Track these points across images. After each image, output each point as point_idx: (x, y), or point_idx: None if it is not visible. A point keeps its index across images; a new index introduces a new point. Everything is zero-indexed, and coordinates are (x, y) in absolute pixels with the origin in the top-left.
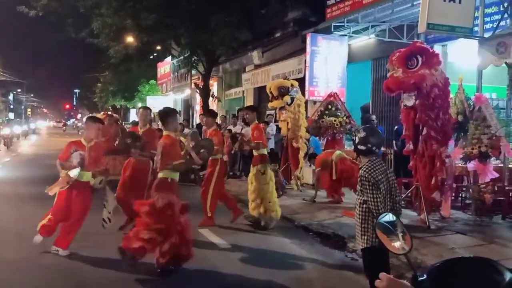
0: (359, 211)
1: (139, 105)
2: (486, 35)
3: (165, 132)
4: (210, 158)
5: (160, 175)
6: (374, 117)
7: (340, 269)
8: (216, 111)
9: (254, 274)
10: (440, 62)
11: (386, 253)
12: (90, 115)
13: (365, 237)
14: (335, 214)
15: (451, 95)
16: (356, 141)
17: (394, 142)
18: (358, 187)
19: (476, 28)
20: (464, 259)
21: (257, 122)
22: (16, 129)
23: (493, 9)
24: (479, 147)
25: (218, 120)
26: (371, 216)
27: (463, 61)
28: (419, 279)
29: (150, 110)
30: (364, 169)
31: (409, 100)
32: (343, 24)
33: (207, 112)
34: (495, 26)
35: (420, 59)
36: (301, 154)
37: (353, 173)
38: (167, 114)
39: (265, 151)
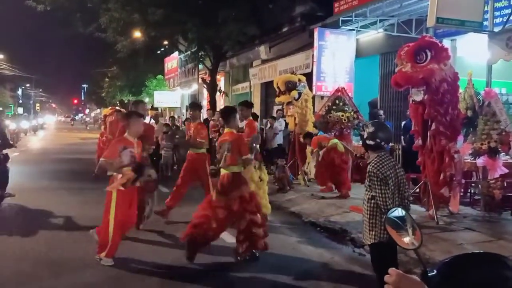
0: (367, 206)
1: (147, 100)
2: (496, 29)
3: (226, 130)
4: (195, 152)
5: (226, 170)
6: (381, 112)
7: (347, 265)
8: (221, 105)
9: (262, 269)
10: (449, 56)
11: (394, 249)
12: (133, 110)
13: (373, 233)
14: (342, 209)
15: (460, 90)
16: (365, 136)
17: (402, 137)
18: (366, 182)
19: (486, 23)
20: (473, 254)
21: (251, 118)
22: (24, 124)
23: (503, 3)
24: (488, 142)
25: None
26: (379, 212)
27: (472, 55)
28: (429, 274)
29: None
30: (373, 164)
31: (417, 95)
32: (351, 18)
33: (194, 105)
34: (505, 20)
35: (429, 53)
36: (309, 149)
37: (332, 168)
38: (229, 112)
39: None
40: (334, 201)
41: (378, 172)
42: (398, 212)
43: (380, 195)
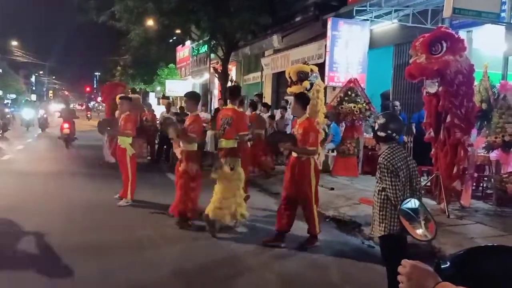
0: (378, 198)
1: (158, 88)
2: None
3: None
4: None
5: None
6: (397, 103)
7: (356, 256)
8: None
9: (271, 258)
10: (465, 48)
11: (404, 241)
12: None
13: (383, 225)
14: (352, 201)
15: (476, 83)
16: (376, 128)
17: (413, 126)
18: (377, 175)
19: (503, 14)
20: (488, 247)
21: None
22: (27, 113)
23: None
24: (502, 136)
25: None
26: (389, 204)
27: (488, 47)
28: (442, 266)
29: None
30: (383, 156)
31: (431, 87)
32: (365, 8)
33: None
34: None
35: (444, 45)
36: (319, 140)
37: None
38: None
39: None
40: (343, 193)
41: (388, 164)
42: (412, 203)
43: (391, 187)
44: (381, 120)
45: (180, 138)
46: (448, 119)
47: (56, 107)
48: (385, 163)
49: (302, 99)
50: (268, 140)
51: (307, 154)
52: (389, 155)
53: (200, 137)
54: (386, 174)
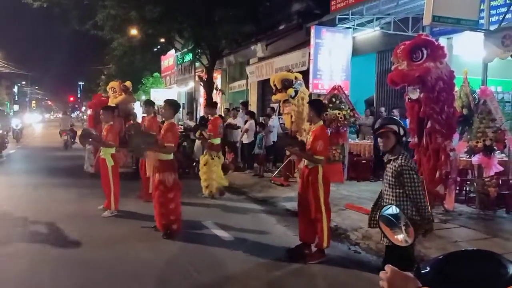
0: (399, 205)
1: (143, 97)
2: (492, 27)
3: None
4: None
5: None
6: (382, 109)
7: (343, 262)
8: (218, 104)
9: (257, 266)
10: (445, 55)
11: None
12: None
13: None
14: (338, 207)
15: (456, 88)
16: (402, 132)
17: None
18: (389, 180)
19: (481, 21)
20: (467, 252)
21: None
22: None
23: (499, 2)
24: (483, 140)
25: (222, 113)
26: (409, 210)
27: (468, 54)
28: (422, 271)
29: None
30: (405, 159)
31: (413, 93)
32: (347, 16)
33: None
34: (501, 18)
35: (425, 52)
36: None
37: None
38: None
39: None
40: (330, 199)
41: (413, 166)
42: (392, 209)
43: (417, 188)
44: (403, 127)
45: (157, 150)
46: (429, 124)
47: (38, 117)
48: (410, 165)
49: (317, 106)
50: (276, 143)
51: (314, 162)
52: (408, 158)
53: (176, 145)
54: (413, 176)
